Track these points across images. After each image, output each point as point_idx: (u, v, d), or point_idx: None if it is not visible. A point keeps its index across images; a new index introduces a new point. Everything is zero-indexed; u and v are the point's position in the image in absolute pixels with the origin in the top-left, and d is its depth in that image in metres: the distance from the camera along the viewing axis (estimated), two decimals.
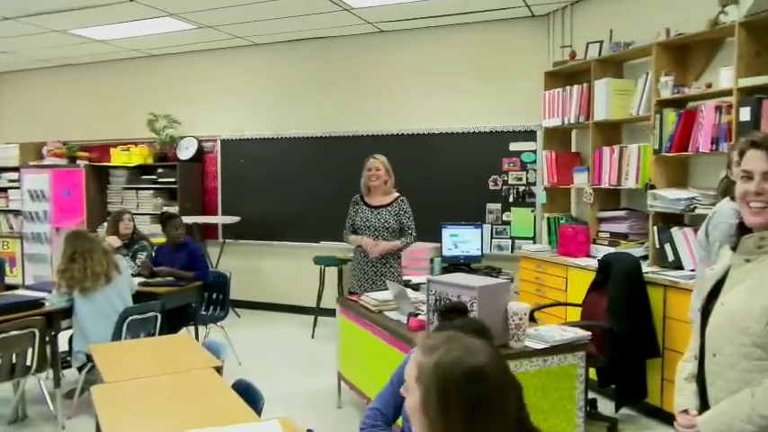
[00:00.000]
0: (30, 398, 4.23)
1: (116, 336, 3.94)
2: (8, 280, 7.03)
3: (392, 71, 6.61)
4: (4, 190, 8.50)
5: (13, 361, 3.76)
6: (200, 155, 7.49)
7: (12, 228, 8.44)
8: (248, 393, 2.40)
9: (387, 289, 3.89)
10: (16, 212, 8.29)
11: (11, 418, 4.10)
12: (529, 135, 5.99)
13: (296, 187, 7.03)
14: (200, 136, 7.49)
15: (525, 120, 5.95)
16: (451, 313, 1.96)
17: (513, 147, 6.08)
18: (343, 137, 6.78)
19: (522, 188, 6.08)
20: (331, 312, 4.32)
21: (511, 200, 6.13)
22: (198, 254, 5.22)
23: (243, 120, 7.35)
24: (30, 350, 3.80)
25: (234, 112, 7.42)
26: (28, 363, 3.83)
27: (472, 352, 1.25)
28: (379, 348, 3.51)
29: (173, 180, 7.35)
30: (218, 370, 2.71)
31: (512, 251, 6.02)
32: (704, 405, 1.67)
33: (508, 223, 6.14)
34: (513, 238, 6.11)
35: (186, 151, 7.46)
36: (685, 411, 1.72)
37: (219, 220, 7.35)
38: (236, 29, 6.51)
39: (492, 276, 5.30)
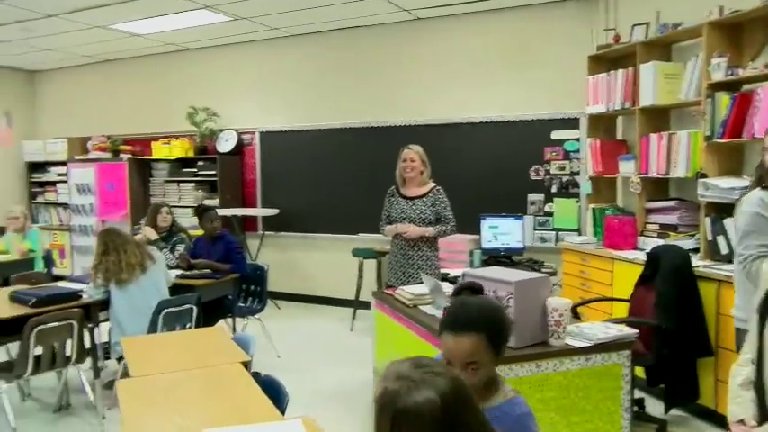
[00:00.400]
0: (73, 387, 4.30)
1: (152, 328, 3.96)
2: (58, 271, 7.22)
3: (429, 59, 6.48)
4: (53, 183, 8.75)
5: (55, 351, 3.83)
6: (239, 147, 7.52)
7: (61, 220, 8.68)
8: (273, 390, 2.33)
9: (423, 282, 3.79)
10: (65, 205, 8.51)
11: (55, 406, 4.21)
12: (572, 123, 5.78)
13: (333, 179, 6.99)
14: (239, 128, 7.52)
15: (568, 107, 5.74)
16: (464, 290, 1.86)
17: (556, 135, 5.87)
18: (381, 127, 6.69)
19: (565, 178, 5.87)
20: (370, 305, 4.25)
21: (554, 190, 5.92)
22: (234, 246, 5.21)
23: (280, 111, 7.34)
24: (69, 341, 3.86)
25: (271, 103, 7.41)
26: (67, 353, 3.89)
27: (418, 389, 1.17)
28: (414, 343, 3.41)
29: (213, 173, 7.40)
30: (247, 365, 2.66)
31: (555, 243, 5.82)
32: (763, 414, 1.51)
33: (551, 214, 5.95)
34: (556, 230, 5.91)
35: (226, 144, 7.50)
36: (741, 421, 1.56)
37: (258, 212, 7.37)
38: (270, 20, 6.47)
39: (534, 270, 5.13)
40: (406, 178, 4.34)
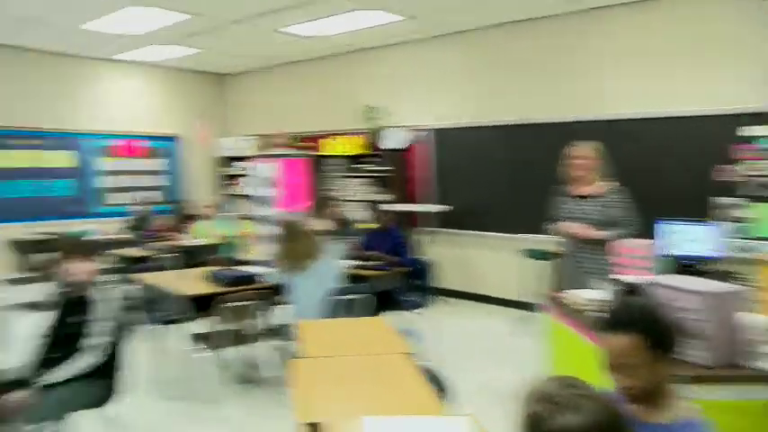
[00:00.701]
0: (260, 362, 4.72)
1: (324, 314, 4.17)
2: (244, 256, 7.91)
3: (601, 52, 6.12)
4: (241, 177, 9.61)
5: (242, 328, 4.21)
6: (410, 144, 7.67)
7: (246, 211, 9.49)
8: (436, 384, 2.34)
9: (594, 287, 3.58)
10: (250, 197, 9.29)
11: (243, 378, 4.65)
12: (764, 117, 5.11)
13: (506, 176, 6.87)
14: (410, 125, 7.66)
15: (759, 100, 5.09)
16: (626, 293, 1.74)
17: (745, 131, 5.24)
18: (554, 123, 6.43)
19: (762, 179, 5.21)
20: (540, 307, 4.11)
21: (749, 193, 5.29)
22: (401, 240, 5.34)
23: (452, 108, 7.36)
24: (253, 320, 4.22)
25: (443, 100, 7.46)
26: (251, 331, 4.25)
27: (562, 412, 1.09)
28: (587, 351, 3.23)
29: (383, 169, 7.64)
30: (410, 357, 2.69)
31: (753, 253, 5.19)
32: None
33: (742, 220, 5.32)
34: (755, 239, 5.27)
35: (396, 141, 7.69)
36: None
37: (430, 208, 7.45)
38: (442, 17, 6.54)
39: (726, 281, 4.62)
40: (574, 177, 4.14)
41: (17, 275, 7.28)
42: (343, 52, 8.32)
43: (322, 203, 6.06)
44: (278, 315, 4.54)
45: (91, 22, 6.63)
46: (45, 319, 3.23)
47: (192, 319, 4.40)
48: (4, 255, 7.51)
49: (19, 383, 2.99)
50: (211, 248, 6.58)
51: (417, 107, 7.68)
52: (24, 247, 7.60)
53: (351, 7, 6.08)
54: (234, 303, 4.10)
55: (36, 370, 3.08)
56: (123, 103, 9.16)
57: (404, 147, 7.65)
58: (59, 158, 8.57)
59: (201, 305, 4.23)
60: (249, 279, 4.53)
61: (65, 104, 8.56)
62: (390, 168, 7.60)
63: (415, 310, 5.47)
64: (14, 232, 7.75)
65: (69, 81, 8.60)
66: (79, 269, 3.19)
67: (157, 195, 9.44)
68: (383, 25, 6.77)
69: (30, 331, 3.23)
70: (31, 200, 8.27)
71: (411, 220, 7.63)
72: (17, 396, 2.92)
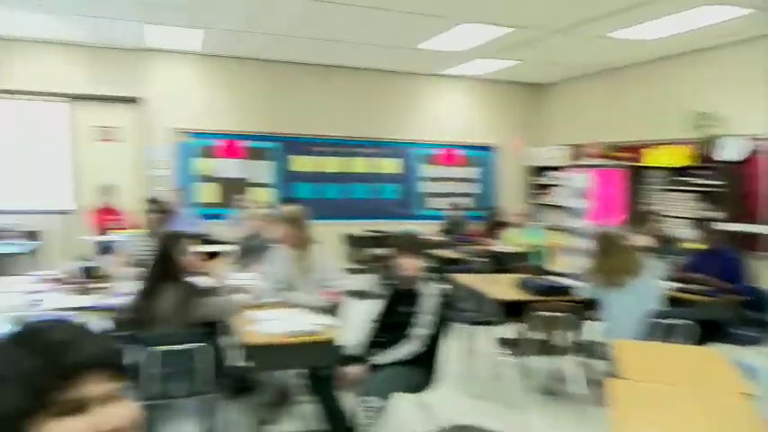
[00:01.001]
0: (565, 376, 4.60)
1: (640, 335, 3.89)
2: (552, 267, 7.86)
3: None
4: (551, 186, 9.54)
5: (549, 339, 4.17)
6: (750, 155, 6.69)
7: (560, 222, 9.39)
8: None
9: None
10: (560, 207, 9.16)
11: (546, 389, 4.61)
12: None
13: None
14: (751, 134, 6.68)
15: None
16: None
17: None
18: None
19: None
20: None
21: None
22: (735, 264, 4.70)
23: None
24: (562, 332, 4.14)
25: None
26: (559, 343, 4.18)
27: None
28: None
29: (715, 183, 6.82)
30: (751, 399, 2.33)
31: None
32: None
33: None
34: None
35: (732, 151, 6.78)
36: None
37: None
38: None
39: None
40: None
41: (350, 266, 8.37)
42: (668, 55, 7.68)
43: (641, 218, 5.67)
44: (588, 331, 4.37)
45: (426, 42, 7.30)
46: (375, 306, 3.65)
47: (500, 322, 4.51)
48: (341, 247, 8.70)
49: (355, 359, 3.43)
50: (520, 256, 6.66)
51: (760, 113, 6.65)
52: (356, 242, 8.71)
53: (697, 3, 5.56)
54: (544, 313, 4.08)
55: (367, 350, 3.50)
56: (446, 115, 9.88)
57: (742, 158, 6.71)
58: (389, 165, 9.63)
59: (510, 310, 4.31)
60: (562, 290, 4.46)
61: (397, 117, 9.62)
62: (724, 182, 6.75)
63: (750, 347, 4.74)
64: (350, 228, 8.93)
65: (402, 96, 9.62)
66: (410, 265, 3.53)
67: (470, 202, 9.93)
68: (725, 21, 6.04)
69: (362, 315, 3.68)
70: (365, 201, 9.49)
71: (748, 242, 6.63)
72: (354, 370, 3.35)
